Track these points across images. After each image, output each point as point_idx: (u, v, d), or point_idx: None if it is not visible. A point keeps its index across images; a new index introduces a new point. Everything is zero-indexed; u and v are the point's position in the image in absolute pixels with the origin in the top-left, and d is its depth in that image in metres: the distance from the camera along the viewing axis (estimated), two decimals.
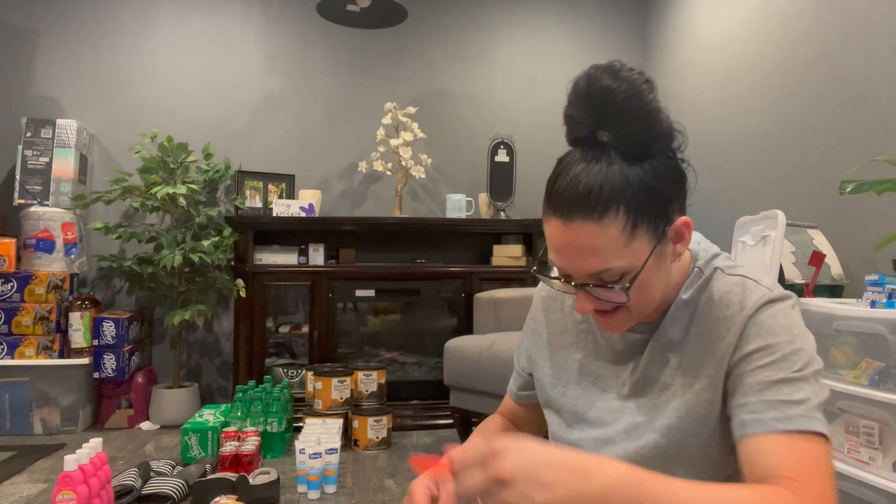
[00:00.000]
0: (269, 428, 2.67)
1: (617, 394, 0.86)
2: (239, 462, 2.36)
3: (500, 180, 3.68)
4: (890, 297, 1.58)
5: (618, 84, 0.70)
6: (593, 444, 0.86)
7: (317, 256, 3.38)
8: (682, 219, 0.77)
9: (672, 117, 0.75)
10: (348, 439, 2.85)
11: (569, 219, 0.72)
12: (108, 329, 3.04)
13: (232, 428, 2.49)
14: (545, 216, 0.76)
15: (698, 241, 0.89)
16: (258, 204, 3.55)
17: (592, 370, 0.89)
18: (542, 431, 1.03)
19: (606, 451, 0.84)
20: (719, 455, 0.79)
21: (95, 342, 3.04)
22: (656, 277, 0.77)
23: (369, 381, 2.93)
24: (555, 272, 0.86)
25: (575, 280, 0.76)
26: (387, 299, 3.50)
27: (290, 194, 3.65)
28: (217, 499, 1.98)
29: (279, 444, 2.69)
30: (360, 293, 3.39)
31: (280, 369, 3.38)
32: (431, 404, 3.26)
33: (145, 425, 3.16)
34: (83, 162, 3.36)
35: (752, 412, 0.72)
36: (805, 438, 0.69)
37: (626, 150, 0.72)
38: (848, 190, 1.65)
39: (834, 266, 2.20)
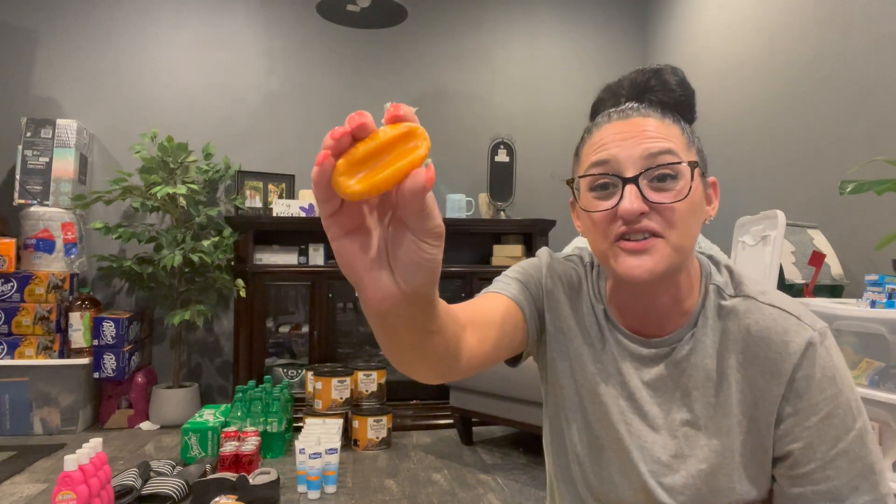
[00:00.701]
0: (269, 428, 2.67)
1: (624, 412, 0.80)
2: (239, 462, 2.36)
3: (500, 180, 3.68)
4: (890, 297, 1.58)
5: (679, 83, 0.77)
6: (620, 474, 0.80)
7: (317, 256, 3.38)
8: (714, 178, 0.79)
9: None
10: (348, 439, 2.85)
11: (628, 116, 0.73)
12: (108, 329, 3.04)
13: (232, 428, 2.49)
14: (594, 129, 0.76)
15: (699, 243, 0.86)
16: (258, 204, 3.55)
17: (599, 376, 0.82)
18: (496, 354, 0.79)
19: (634, 482, 0.78)
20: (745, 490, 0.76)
21: (95, 342, 3.04)
22: (696, 216, 0.73)
23: (369, 381, 2.93)
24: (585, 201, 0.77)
25: (629, 171, 0.71)
26: None
27: (290, 194, 3.64)
28: (217, 499, 1.98)
29: (279, 444, 2.69)
30: None
31: (280, 369, 3.38)
32: (431, 404, 3.26)
33: (145, 425, 3.16)
34: (83, 162, 3.36)
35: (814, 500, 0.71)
36: None
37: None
38: (848, 190, 1.65)
39: (834, 266, 2.20)
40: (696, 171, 0.72)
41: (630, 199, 0.69)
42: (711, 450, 0.75)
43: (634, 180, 0.70)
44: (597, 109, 0.81)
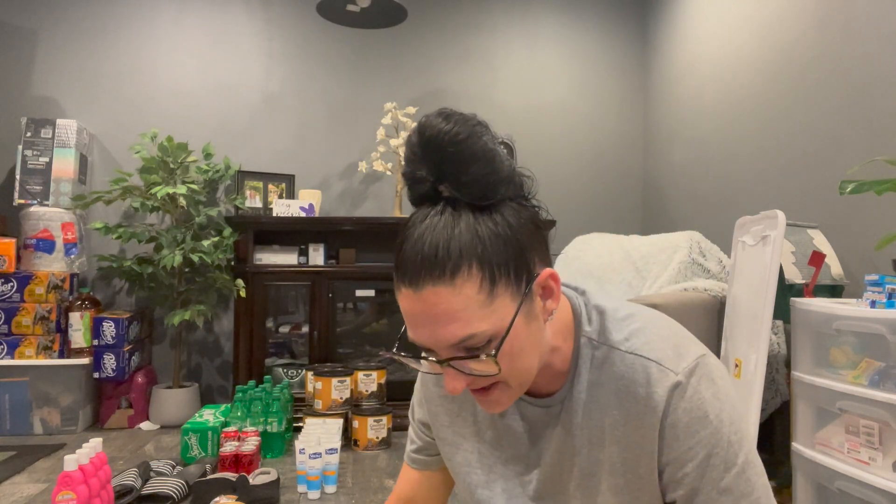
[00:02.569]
0: (269, 428, 2.67)
1: (524, 488, 0.80)
2: (239, 462, 2.36)
3: None
4: (890, 297, 1.58)
5: (450, 126, 0.66)
6: None
7: (317, 256, 3.38)
8: (547, 271, 0.69)
9: (515, 162, 0.71)
10: (348, 439, 2.85)
11: (418, 285, 0.64)
12: (108, 329, 3.04)
13: (232, 428, 2.49)
14: (396, 287, 0.67)
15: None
16: (258, 204, 3.55)
17: (494, 456, 0.82)
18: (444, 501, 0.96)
19: None
20: None
21: (95, 342, 3.04)
22: (529, 341, 0.68)
23: (369, 381, 2.93)
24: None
25: (439, 355, 0.67)
26: (387, 299, 3.50)
27: (290, 194, 3.65)
28: (217, 499, 1.98)
29: (279, 444, 2.69)
30: (360, 293, 3.39)
31: (280, 369, 3.38)
32: None
33: (145, 425, 3.16)
34: (83, 162, 3.36)
35: None
36: None
37: (470, 199, 0.66)
38: (848, 190, 1.65)
39: (834, 266, 2.20)
40: (507, 333, 0.66)
41: (450, 381, 0.68)
42: None
43: (447, 363, 0.67)
44: (408, 183, 0.70)
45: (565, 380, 0.76)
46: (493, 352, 0.65)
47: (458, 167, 0.65)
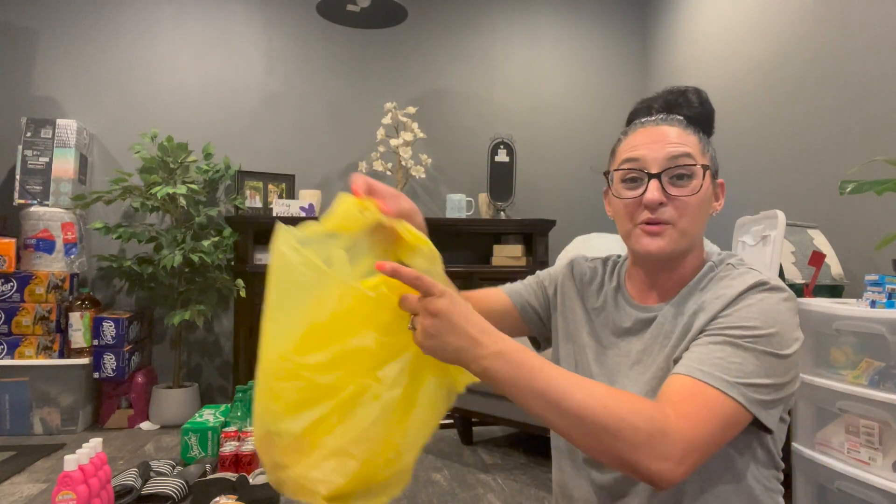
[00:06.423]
0: None
1: (620, 365, 0.94)
2: (239, 462, 2.36)
3: (500, 180, 3.68)
4: (890, 297, 1.58)
5: (707, 108, 0.95)
6: None
7: None
8: (721, 180, 0.94)
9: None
10: None
11: (660, 123, 0.90)
12: (108, 329, 3.04)
13: (232, 428, 2.49)
14: (629, 132, 0.93)
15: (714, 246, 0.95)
16: (258, 204, 3.55)
17: (602, 344, 0.98)
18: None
19: None
20: None
21: (95, 342, 3.04)
22: (705, 208, 0.89)
23: None
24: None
25: (653, 169, 0.87)
26: None
27: (290, 194, 3.64)
28: (217, 499, 1.98)
29: None
30: None
31: None
32: None
33: (145, 425, 3.16)
34: (83, 162, 3.36)
35: (686, 358, 0.79)
36: (711, 391, 0.74)
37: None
38: (848, 190, 1.65)
39: (834, 266, 2.20)
40: (708, 172, 0.88)
41: (652, 191, 0.87)
42: (657, 367, 0.87)
43: (657, 176, 0.87)
44: (632, 118, 0.97)
45: (677, 293, 0.91)
46: (708, 165, 0.89)
47: (686, 106, 0.94)
